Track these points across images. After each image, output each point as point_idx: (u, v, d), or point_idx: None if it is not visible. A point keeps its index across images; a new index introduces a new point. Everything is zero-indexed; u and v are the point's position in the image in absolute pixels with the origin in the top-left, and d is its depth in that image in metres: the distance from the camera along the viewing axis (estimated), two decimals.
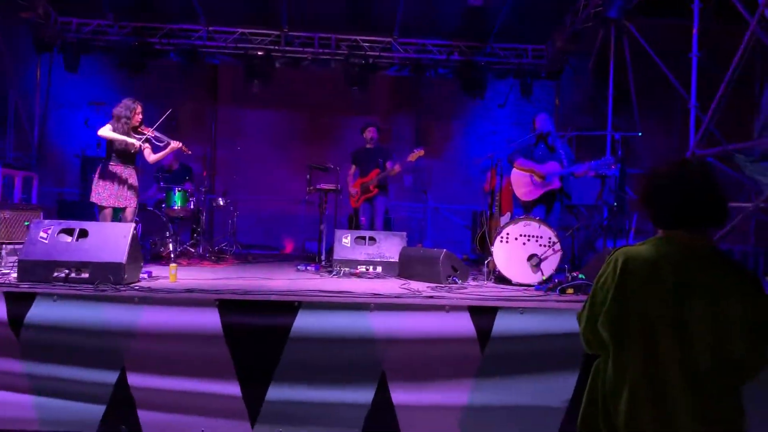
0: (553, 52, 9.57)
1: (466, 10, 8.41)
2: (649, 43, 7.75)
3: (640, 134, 7.84)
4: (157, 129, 5.92)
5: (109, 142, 5.75)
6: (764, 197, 5.16)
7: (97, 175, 5.74)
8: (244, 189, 9.07)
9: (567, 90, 10.33)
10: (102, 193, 5.66)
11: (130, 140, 5.71)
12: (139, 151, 5.86)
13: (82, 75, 9.52)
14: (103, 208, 5.68)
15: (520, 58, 9.96)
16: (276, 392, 3.85)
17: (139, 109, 5.83)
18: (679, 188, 1.95)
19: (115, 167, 5.74)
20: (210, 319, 3.86)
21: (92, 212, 5.81)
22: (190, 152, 6.29)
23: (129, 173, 5.83)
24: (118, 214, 5.85)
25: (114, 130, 5.70)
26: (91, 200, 5.75)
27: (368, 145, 7.66)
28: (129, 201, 5.81)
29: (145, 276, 5.00)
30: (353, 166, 7.70)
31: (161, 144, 5.95)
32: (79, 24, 9.36)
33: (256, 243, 9.57)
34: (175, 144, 5.96)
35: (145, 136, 5.83)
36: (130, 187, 5.83)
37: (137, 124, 5.83)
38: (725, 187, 2.02)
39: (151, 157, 5.97)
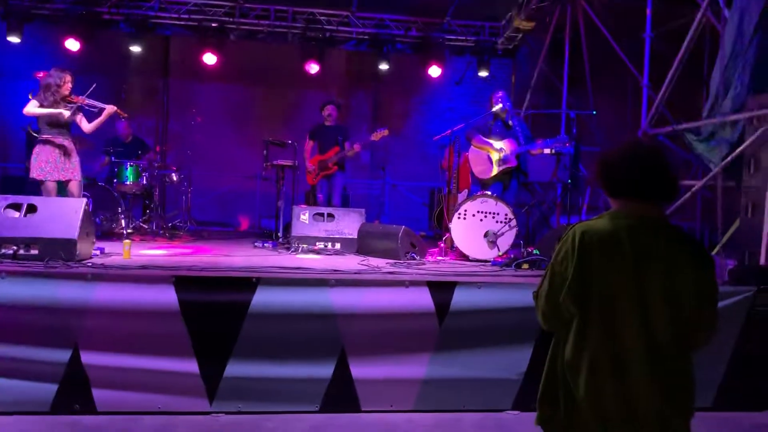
0: (509, 30, 9.61)
1: None
2: (603, 23, 7.86)
3: (594, 113, 7.99)
4: (89, 96, 5.72)
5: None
6: (711, 175, 5.34)
7: (34, 151, 5.54)
8: (198, 164, 8.86)
9: (523, 67, 10.41)
10: (43, 167, 5.46)
11: (56, 111, 5.50)
12: (71, 121, 5.66)
13: (27, 44, 9.09)
14: (45, 182, 5.48)
15: (478, 35, 9.97)
16: (234, 368, 3.84)
17: (68, 78, 5.61)
18: (633, 161, 2.03)
19: (50, 139, 5.53)
20: (166, 296, 3.80)
21: (39, 189, 5.61)
22: (126, 115, 6.10)
23: (66, 143, 5.61)
24: (63, 191, 5.66)
25: (42, 101, 5.49)
26: (31, 177, 5.54)
27: (327, 123, 7.59)
28: (72, 173, 5.61)
29: (98, 253, 4.87)
30: (311, 141, 7.62)
31: (95, 110, 5.76)
32: None
33: (211, 220, 9.42)
34: (109, 108, 5.76)
35: (76, 105, 5.64)
36: (70, 157, 5.62)
37: (67, 93, 5.62)
38: (673, 161, 2.12)
39: (86, 126, 5.77)
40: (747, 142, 4.81)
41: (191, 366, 3.83)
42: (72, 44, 8.83)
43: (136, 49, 9.28)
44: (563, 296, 1.99)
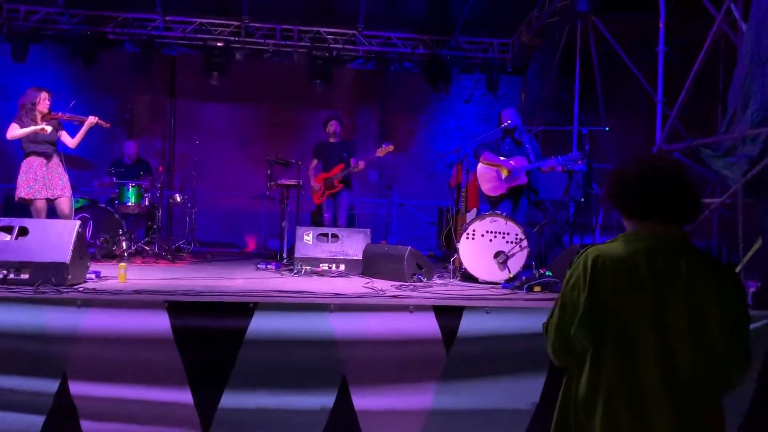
0: (518, 47, 9.48)
1: (431, 2, 8.25)
2: (614, 38, 7.70)
3: (606, 129, 7.80)
4: (69, 111, 5.65)
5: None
6: (730, 192, 5.11)
7: (21, 170, 5.47)
8: (203, 185, 8.76)
9: (533, 85, 10.26)
10: (32, 185, 5.38)
11: (36, 127, 5.43)
12: (56, 138, 5.59)
13: (31, 66, 9.07)
14: (34, 200, 5.38)
15: (486, 52, 9.84)
16: (230, 399, 3.64)
17: (43, 95, 5.57)
18: (651, 179, 1.84)
19: (36, 157, 5.47)
20: (159, 322, 3.63)
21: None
22: (108, 125, 5.99)
23: (53, 160, 5.54)
24: (54, 213, 5.56)
25: (22, 123, 5.44)
26: (18, 197, 5.44)
27: (331, 139, 7.43)
28: (61, 190, 5.51)
29: (93, 276, 4.71)
30: (315, 160, 7.46)
31: (76, 124, 5.69)
32: (27, 12, 8.88)
33: (216, 241, 9.28)
34: (90, 119, 5.68)
35: (57, 120, 5.58)
36: (58, 174, 5.54)
37: (45, 110, 5.56)
38: (696, 182, 1.91)
39: (70, 141, 5.72)
40: None
41: (185, 396, 3.63)
42: (77, 65, 8.78)
43: (141, 69, 9.22)
44: (575, 328, 1.78)
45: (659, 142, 6.10)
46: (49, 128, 5.47)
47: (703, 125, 6.46)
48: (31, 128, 5.43)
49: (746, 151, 5.03)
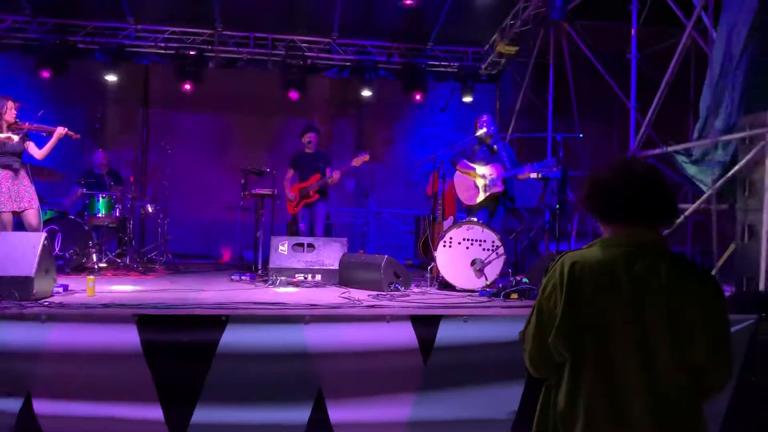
0: (493, 55, 9.51)
1: (406, 11, 8.23)
2: (587, 46, 7.76)
3: (580, 136, 7.84)
4: (36, 121, 5.50)
5: None
6: (703, 198, 5.14)
7: None
8: (177, 195, 8.61)
9: (508, 93, 10.30)
10: None
11: (3, 135, 5.28)
12: (22, 149, 5.44)
13: (1, 75, 8.88)
14: (0, 213, 5.21)
15: (461, 60, 9.85)
16: (202, 414, 3.54)
17: (9, 104, 5.40)
18: (626, 182, 1.79)
19: (5, 169, 5.30)
20: (128, 337, 3.52)
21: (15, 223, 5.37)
22: (78, 136, 5.84)
23: (19, 172, 5.38)
24: (21, 226, 5.40)
25: None
26: None
27: (307, 150, 7.37)
28: (28, 202, 5.35)
29: (60, 290, 4.57)
30: (290, 171, 7.38)
31: (44, 135, 5.54)
32: None
33: (190, 252, 9.11)
34: (59, 129, 5.53)
35: (23, 130, 5.42)
36: (24, 185, 5.38)
37: (11, 120, 5.40)
38: (671, 184, 1.87)
39: (37, 152, 5.56)
40: (741, 163, 4.62)
41: (155, 412, 3.52)
42: (45, 74, 8.60)
43: (112, 78, 9.06)
44: (552, 337, 1.73)
45: (633, 148, 6.14)
46: (15, 138, 5.32)
47: (676, 132, 6.51)
48: (7, 135, 5.28)
49: (718, 157, 5.07)
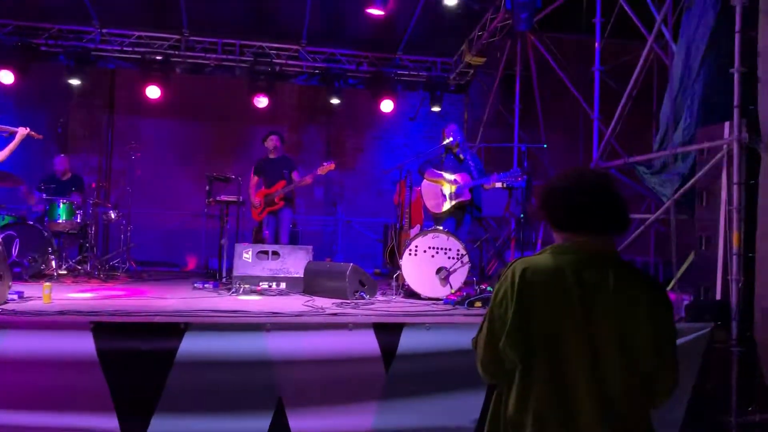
0: (461, 65, 9.59)
1: (375, 20, 8.26)
2: (553, 57, 7.88)
3: (545, 146, 7.93)
4: None
5: None
6: (663, 208, 5.24)
7: None
8: (142, 202, 8.46)
9: (476, 102, 10.39)
10: None
11: None
12: None
13: None
14: None
15: (429, 70, 9.91)
16: (159, 424, 3.49)
17: None
18: (577, 191, 1.82)
19: None
20: (83, 345, 3.45)
21: None
22: (41, 136, 5.71)
23: None
24: None
25: None
26: None
27: (271, 155, 7.30)
28: None
29: (15, 297, 4.45)
30: (255, 177, 7.32)
31: (5, 136, 5.40)
32: None
33: (155, 260, 8.96)
34: (21, 130, 5.41)
35: None
36: None
37: None
38: (625, 195, 1.90)
39: None
40: (698, 175, 4.72)
41: (111, 423, 3.46)
42: (7, 76, 8.40)
43: (77, 82, 8.89)
44: (503, 342, 1.74)
45: (596, 159, 6.23)
46: (1, 156, 5.18)
47: (639, 143, 6.63)
48: None
49: (678, 168, 5.18)
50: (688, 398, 4.04)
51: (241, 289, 5.60)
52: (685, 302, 4.49)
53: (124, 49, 8.99)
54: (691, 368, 4.03)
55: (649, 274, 1.90)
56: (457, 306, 4.83)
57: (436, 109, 9.86)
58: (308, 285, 5.70)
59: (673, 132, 5.31)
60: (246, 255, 5.86)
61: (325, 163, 6.93)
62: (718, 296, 4.46)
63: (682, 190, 5.00)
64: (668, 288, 4.91)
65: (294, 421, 3.59)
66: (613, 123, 6.11)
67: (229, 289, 5.72)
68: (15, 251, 6.28)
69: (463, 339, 3.78)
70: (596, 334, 1.70)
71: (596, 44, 6.51)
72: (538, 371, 1.72)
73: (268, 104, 9.24)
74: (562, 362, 1.71)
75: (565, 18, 8.04)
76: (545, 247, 1.86)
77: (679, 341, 3.68)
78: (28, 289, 4.84)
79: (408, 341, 3.75)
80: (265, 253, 5.94)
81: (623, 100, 6.04)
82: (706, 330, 4.08)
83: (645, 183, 5.76)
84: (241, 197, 6.86)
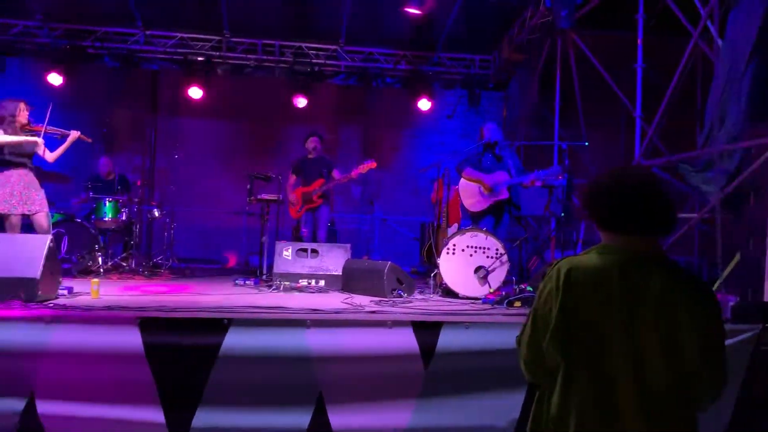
0: (500, 63, 9.53)
1: (413, 18, 8.27)
2: (594, 55, 7.76)
3: (586, 144, 7.81)
4: (50, 123, 5.51)
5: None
6: (708, 207, 5.13)
7: None
8: (184, 200, 8.66)
9: (515, 100, 10.30)
10: (8, 200, 5.20)
11: (31, 139, 5.33)
12: (34, 152, 5.44)
13: (9, 79, 8.97)
14: (9, 216, 5.22)
15: (468, 68, 9.88)
16: (203, 417, 3.56)
17: (22, 106, 5.40)
18: (625, 190, 1.80)
19: (13, 171, 5.29)
20: (130, 339, 3.54)
21: (23, 225, 5.37)
22: (90, 140, 5.86)
23: (28, 175, 5.38)
24: (29, 228, 5.42)
25: (6, 132, 5.29)
26: None
27: (310, 155, 7.42)
28: (39, 205, 5.34)
29: (65, 292, 4.60)
30: (293, 176, 7.43)
31: (58, 137, 5.56)
32: (6, 25, 8.79)
33: (196, 257, 9.15)
34: (73, 133, 5.56)
35: (39, 133, 5.43)
36: (35, 188, 5.37)
37: (25, 121, 5.41)
38: (671, 194, 1.87)
39: (49, 155, 5.55)
40: (746, 173, 4.61)
41: (157, 415, 3.54)
42: (55, 79, 8.69)
43: (121, 83, 9.14)
44: (547, 342, 1.73)
45: (638, 157, 6.13)
46: (40, 140, 5.34)
47: (681, 141, 6.50)
48: (23, 138, 5.29)
49: (723, 166, 5.06)
50: (733, 404, 3.95)
51: (281, 286, 5.68)
52: (731, 303, 4.38)
53: (167, 50, 9.20)
54: (737, 371, 3.94)
55: (697, 275, 1.86)
56: (496, 305, 4.80)
57: (474, 107, 9.82)
58: (347, 282, 5.75)
59: (719, 129, 5.19)
60: (286, 252, 5.95)
61: (365, 162, 6.99)
62: (766, 298, 4.35)
63: (727, 189, 4.89)
64: (713, 288, 4.80)
65: (334, 416, 3.63)
66: (655, 120, 6.01)
67: (269, 286, 5.80)
68: (64, 248, 6.49)
69: (502, 339, 3.77)
70: (641, 335, 1.68)
71: (639, 40, 6.41)
72: (582, 371, 1.71)
73: (307, 104, 9.34)
74: (606, 363, 1.69)
75: (606, 14, 7.91)
76: (590, 247, 1.85)
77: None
78: (77, 285, 5.00)
79: (447, 340, 3.74)
80: (305, 250, 6.01)
81: (666, 98, 5.93)
82: (753, 332, 3.98)
83: (689, 181, 5.64)
84: (281, 196, 6.96)
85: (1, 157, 5.31)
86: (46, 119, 5.48)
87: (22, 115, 5.37)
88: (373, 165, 6.98)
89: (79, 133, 5.60)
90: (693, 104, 7.17)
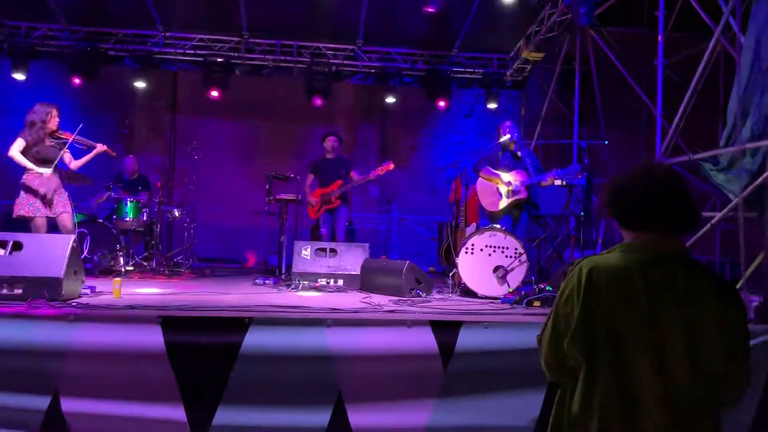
0: (518, 61, 9.49)
1: (431, 18, 8.25)
2: (614, 52, 7.69)
3: (606, 143, 7.77)
4: (78, 134, 5.61)
5: (27, 149, 5.40)
6: (731, 206, 5.06)
7: (21, 188, 5.38)
8: (203, 200, 8.73)
9: (533, 99, 10.25)
10: (32, 203, 5.31)
11: (33, 168, 5.41)
12: (59, 156, 5.53)
13: (32, 81, 9.08)
14: (34, 218, 5.32)
15: (486, 67, 9.84)
16: (224, 416, 3.59)
17: (54, 112, 5.51)
18: (647, 188, 1.78)
19: (37, 174, 5.40)
20: (152, 338, 3.58)
21: (48, 226, 5.49)
22: (114, 154, 5.97)
23: (54, 178, 5.49)
24: (53, 230, 5.51)
25: (28, 138, 5.39)
26: (16, 215, 5.36)
27: (328, 155, 7.44)
28: (62, 207, 5.45)
29: (87, 291, 4.67)
30: (311, 176, 7.46)
31: (83, 148, 5.66)
32: (29, 28, 8.91)
33: (216, 256, 9.22)
34: (99, 147, 5.66)
35: (67, 141, 5.54)
36: (58, 192, 5.49)
37: (54, 128, 5.51)
38: (694, 192, 1.85)
39: (72, 162, 5.66)
40: None
41: (178, 413, 3.58)
42: (77, 81, 8.80)
43: (141, 85, 9.25)
44: (568, 342, 1.72)
45: (659, 155, 6.06)
46: (66, 153, 5.46)
47: (704, 139, 6.42)
48: (34, 165, 5.41)
49: (746, 165, 4.99)
50: (755, 406, 3.90)
51: (300, 286, 5.71)
52: (754, 304, 4.33)
53: (187, 51, 9.27)
54: (761, 372, 3.89)
55: (720, 275, 1.84)
56: (515, 305, 4.78)
57: (492, 106, 9.80)
58: (365, 282, 5.77)
59: (742, 127, 5.12)
60: (305, 252, 5.97)
61: (384, 164, 7.02)
62: None
63: (750, 188, 4.82)
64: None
65: (353, 415, 3.64)
66: (677, 118, 5.93)
67: (288, 285, 5.83)
68: (86, 248, 6.58)
69: (522, 338, 3.76)
70: (663, 335, 1.67)
71: (659, 37, 6.33)
72: (603, 371, 1.70)
73: (325, 104, 9.38)
74: (628, 362, 1.68)
75: (626, 11, 7.85)
76: (612, 246, 1.83)
77: None
78: (99, 284, 5.07)
79: (466, 339, 3.74)
80: (323, 250, 6.04)
81: (688, 95, 5.86)
82: None
83: (711, 180, 5.57)
84: (299, 196, 6.99)
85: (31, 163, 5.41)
86: (77, 130, 5.58)
87: (53, 121, 5.48)
88: (391, 166, 7.00)
89: (105, 146, 5.71)
90: (716, 101, 7.08)
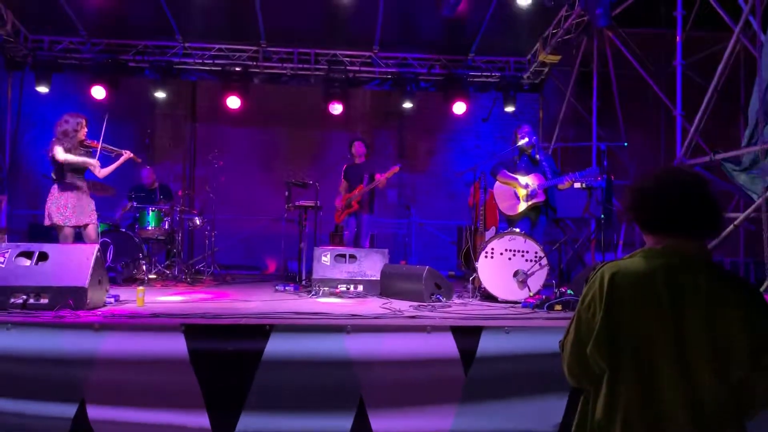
0: (535, 64, 9.46)
1: (446, 22, 8.26)
2: (632, 53, 7.65)
3: (625, 144, 7.72)
4: (102, 141, 5.70)
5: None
6: (754, 206, 5.01)
7: (51, 197, 5.46)
8: (223, 208, 8.80)
9: (551, 102, 10.21)
10: (63, 212, 5.41)
11: (90, 161, 5.56)
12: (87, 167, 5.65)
13: (55, 94, 9.25)
14: (64, 227, 5.42)
15: (502, 70, 9.82)
16: (247, 422, 3.62)
17: (84, 122, 5.63)
18: (670, 192, 1.77)
19: (70, 184, 5.51)
20: (176, 345, 3.62)
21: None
22: (140, 160, 6.07)
23: (84, 188, 5.62)
24: (78, 238, 5.60)
25: (64, 146, 5.48)
26: (50, 223, 5.46)
27: (357, 160, 7.57)
28: (90, 217, 5.58)
29: (112, 300, 4.73)
30: (344, 182, 7.57)
31: (110, 155, 5.76)
32: (51, 42, 9.10)
33: (237, 263, 9.29)
34: (126, 154, 5.76)
35: (95, 150, 5.64)
36: (87, 201, 5.61)
37: (83, 138, 5.63)
38: (718, 195, 1.84)
39: (100, 171, 5.72)
40: None
41: (202, 420, 3.61)
42: (98, 92, 8.95)
43: (161, 95, 9.38)
44: (590, 348, 1.71)
45: (680, 156, 6.01)
46: (95, 161, 5.58)
47: (725, 139, 6.35)
48: (84, 159, 5.52)
49: None
50: None
51: (321, 292, 5.73)
52: None
53: (205, 61, 9.38)
54: None
55: (745, 278, 1.82)
56: (536, 309, 4.76)
57: (509, 109, 9.77)
58: (385, 287, 5.77)
59: (764, 126, 5.07)
60: (324, 258, 5.99)
61: (390, 168, 7.11)
62: None
63: None
64: (761, 289, 4.67)
65: (375, 421, 3.65)
66: (697, 118, 5.88)
67: (308, 292, 5.86)
68: (110, 257, 6.68)
69: (544, 343, 3.75)
70: (687, 340, 1.65)
71: (678, 37, 6.29)
72: (627, 376, 1.69)
73: (342, 110, 9.42)
74: (652, 368, 1.67)
75: (643, 12, 7.79)
76: (633, 250, 1.82)
77: None
78: (123, 293, 5.14)
79: (487, 344, 3.73)
80: (343, 256, 6.05)
81: (708, 95, 5.81)
82: None
83: (733, 180, 5.52)
84: (318, 202, 7.03)
85: (60, 173, 5.51)
86: (101, 137, 5.67)
87: (82, 132, 5.61)
88: (396, 169, 7.16)
89: (131, 153, 5.82)
90: (736, 101, 7.01)
